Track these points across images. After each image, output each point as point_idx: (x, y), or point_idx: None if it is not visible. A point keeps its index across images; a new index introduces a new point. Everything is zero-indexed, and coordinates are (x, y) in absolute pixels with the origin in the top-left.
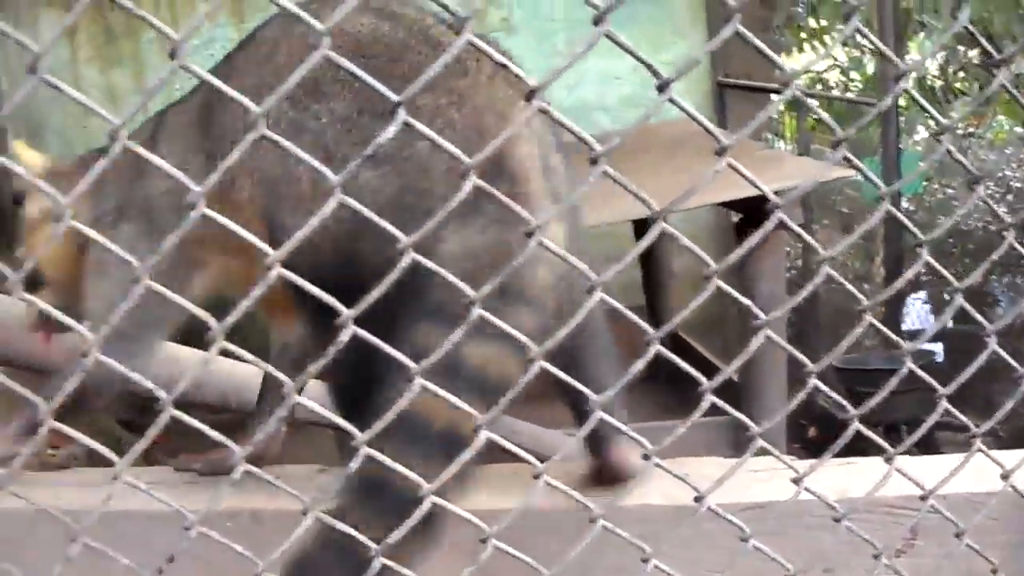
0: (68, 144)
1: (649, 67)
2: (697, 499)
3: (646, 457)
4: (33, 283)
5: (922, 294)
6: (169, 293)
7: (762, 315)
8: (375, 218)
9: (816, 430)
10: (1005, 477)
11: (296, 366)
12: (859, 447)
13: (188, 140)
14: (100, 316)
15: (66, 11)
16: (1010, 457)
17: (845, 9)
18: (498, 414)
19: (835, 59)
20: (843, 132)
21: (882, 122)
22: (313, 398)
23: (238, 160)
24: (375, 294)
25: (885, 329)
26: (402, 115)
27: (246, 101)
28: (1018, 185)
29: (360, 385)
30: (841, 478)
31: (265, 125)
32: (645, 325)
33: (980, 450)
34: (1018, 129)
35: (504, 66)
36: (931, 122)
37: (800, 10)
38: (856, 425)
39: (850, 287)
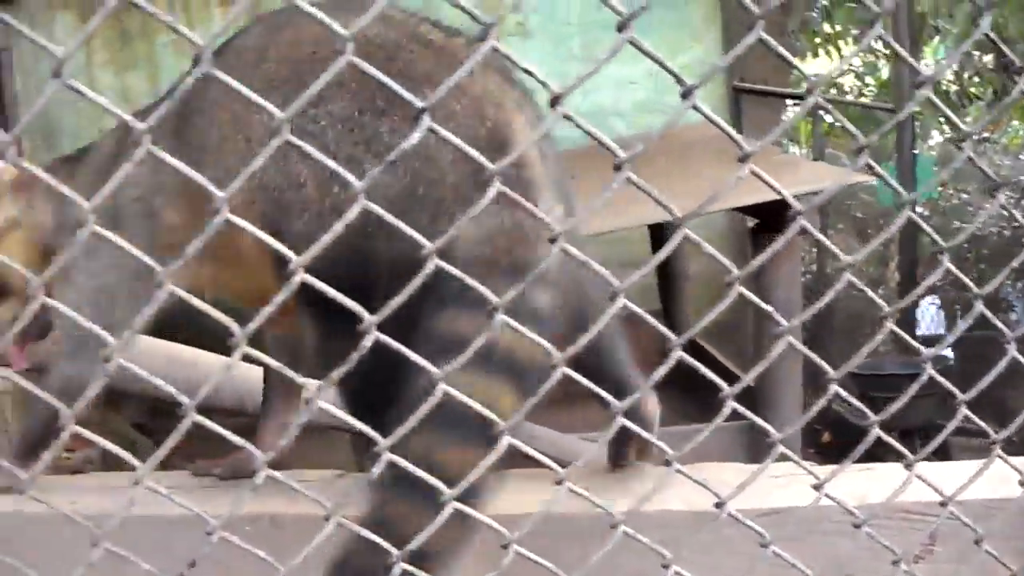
0: None
1: (673, 74)
2: (718, 505)
3: (667, 463)
4: None
5: (934, 298)
6: (187, 296)
7: (783, 322)
8: (398, 223)
9: (830, 435)
10: (1023, 483)
11: (293, 366)
12: (872, 452)
13: (165, 146)
14: (71, 324)
15: (82, 13)
16: None
17: (867, 15)
18: (521, 419)
19: (850, 64)
20: (865, 139)
21: (897, 127)
22: (329, 401)
23: (224, 168)
24: (398, 300)
25: (906, 336)
26: (427, 122)
27: (271, 107)
28: None
29: (377, 387)
30: (859, 484)
31: (289, 131)
32: (667, 331)
33: (999, 456)
34: None
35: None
36: (946, 127)
37: (815, 15)
38: (876, 431)
39: (871, 294)
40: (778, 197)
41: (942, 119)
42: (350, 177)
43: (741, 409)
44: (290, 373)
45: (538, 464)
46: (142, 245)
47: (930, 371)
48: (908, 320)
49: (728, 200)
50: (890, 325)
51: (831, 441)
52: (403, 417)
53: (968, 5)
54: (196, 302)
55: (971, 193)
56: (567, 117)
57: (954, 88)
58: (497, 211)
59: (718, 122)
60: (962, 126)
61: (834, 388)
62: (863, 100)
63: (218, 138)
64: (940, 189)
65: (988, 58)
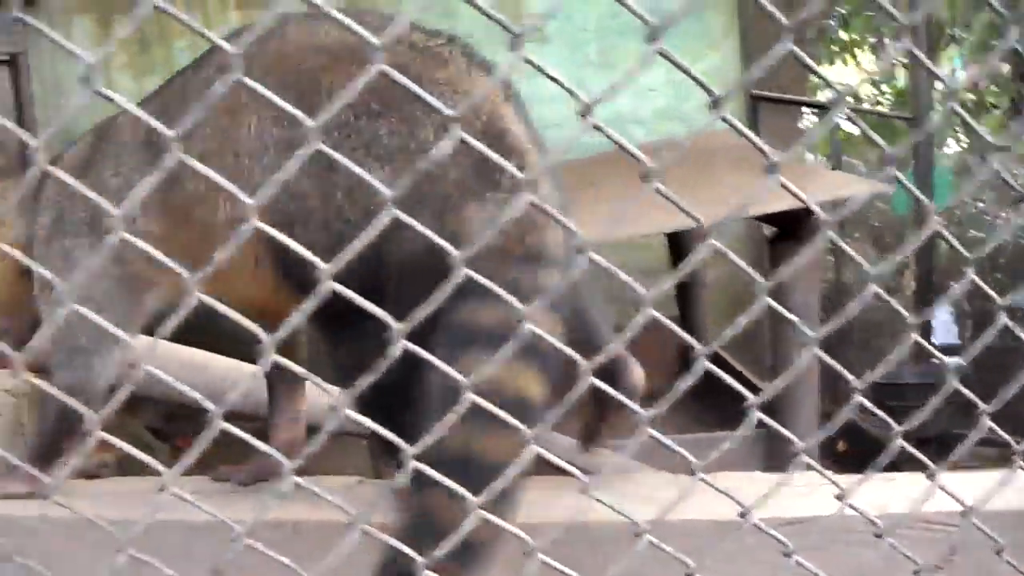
0: None
1: (701, 84)
2: (742, 514)
3: (691, 472)
4: None
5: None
6: (213, 303)
7: (810, 332)
8: (431, 234)
9: (845, 443)
10: None
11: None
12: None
13: (135, 158)
14: (62, 335)
15: (100, 17)
16: None
17: (884, 23)
18: (546, 428)
19: (867, 72)
20: (892, 150)
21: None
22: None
23: (206, 183)
24: (426, 310)
25: (930, 347)
26: (458, 132)
27: (300, 115)
28: None
29: (392, 388)
30: (881, 493)
31: (320, 139)
32: (693, 341)
33: (1020, 467)
34: None
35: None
36: (961, 136)
37: (832, 23)
38: (900, 442)
39: (896, 305)
40: (797, 206)
41: (957, 128)
42: (380, 186)
43: (765, 419)
44: (317, 381)
45: (561, 472)
46: (119, 252)
47: (955, 384)
48: (924, 329)
49: (739, 207)
50: (915, 336)
51: (847, 450)
52: (430, 414)
53: (985, 15)
54: (225, 310)
55: (987, 203)
56: (597, 127)
57: (971, 97)
58: (503, 201)
59: (746, 132)
60: (989, 138)
61: (858, 398)
62: (880, 108)
63: (200, 151)
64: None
65: (1005, 68)
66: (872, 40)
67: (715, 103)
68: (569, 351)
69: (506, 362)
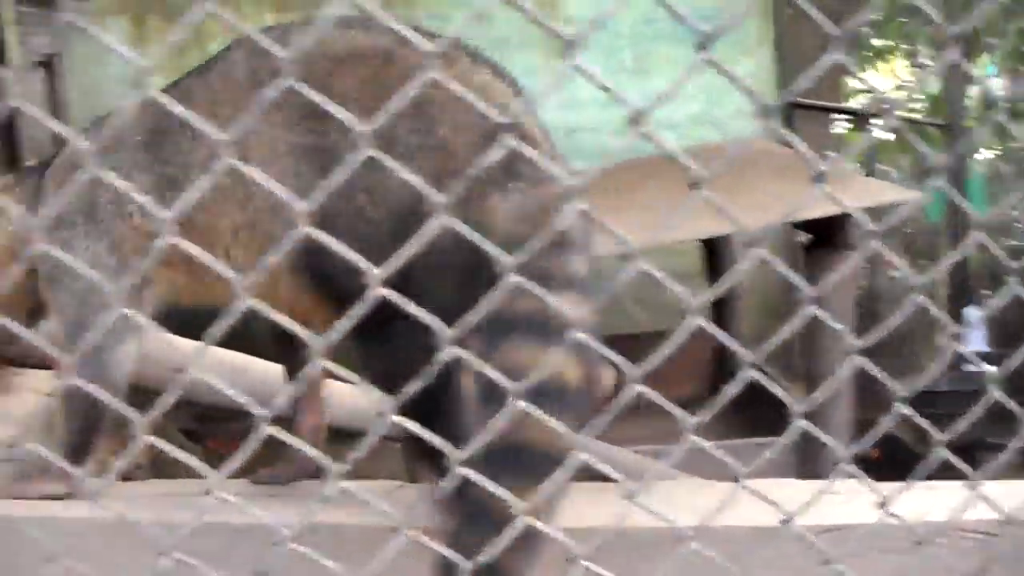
0: None
1: (751, 94)
2: (784, 521)
3: (727, 478)
4: None
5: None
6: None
7: (856, 341)
8: (489, 246)
9: (877, 450)
10: None
11: (301, 363)
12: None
13: (135, 158)
14: (73, 329)
15: (136, 17)
16: None
17: (917, 29)
18: (592, 433)
19: (900, 79)
20: (938, 159)
21: (949, 144)
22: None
23: (207, 188)
24: (476, 317)
25: (972, 356)
26: (511, 142)
27: (352, 119)
28: None
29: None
30: (919, 501)
31: (372, 144)
32: (742, 349)
33: None
34: None
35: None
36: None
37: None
38: (943, 451)
39: (940, 314)
40: (835, 212)
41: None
42: (434, 193)
43: (810, 427)
44: (362, 384)
45: (603, 477)
46: (112, 244)
47: (997, 394)
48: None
49: (785, 215)
50: (957, 345)
51: (879, 457)
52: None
53: (1018, 23)
54: (274, 314)
55: (1019, 209)
56: (646, 135)
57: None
58: (526, 190)
59: (792, 141)
60: None
61: (901, 408)
62: (914, 116)
63: (206, 156)
64: (987, 206)
65: None
66: (905, 47)
67: (764, 112)
68: (613, 355)
69: (545, 349)
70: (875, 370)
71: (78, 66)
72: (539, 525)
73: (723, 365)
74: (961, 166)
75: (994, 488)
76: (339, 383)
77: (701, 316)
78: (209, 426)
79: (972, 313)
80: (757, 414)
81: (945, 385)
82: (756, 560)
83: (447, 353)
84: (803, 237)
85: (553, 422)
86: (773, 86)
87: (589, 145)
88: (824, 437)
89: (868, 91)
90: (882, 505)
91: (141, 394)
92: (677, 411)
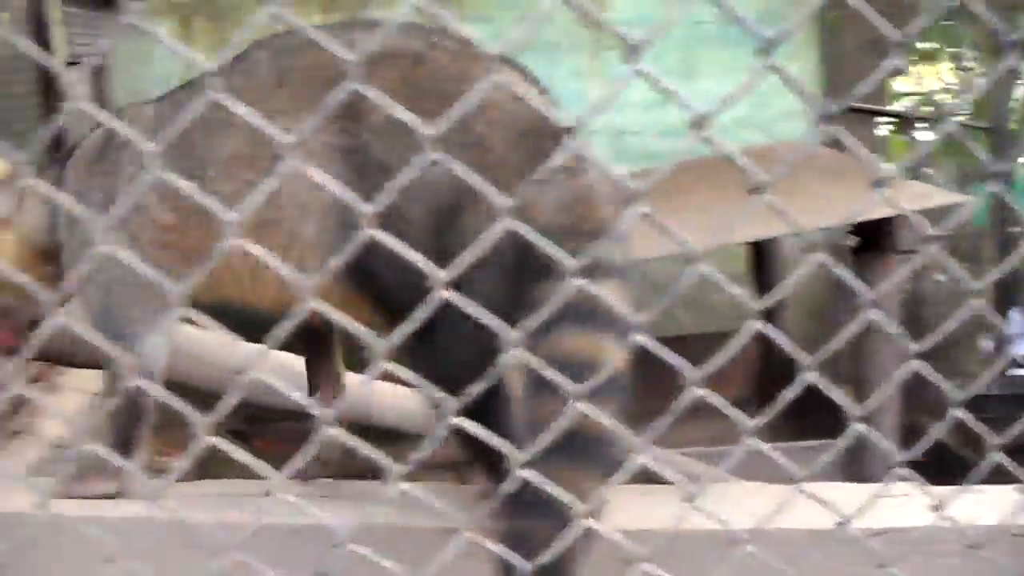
0: None
1: (809, 98)
2: (840, 524)
3: (780, 481)
4: None
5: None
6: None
7: (913, 345)
8: (547, 245)
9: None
10: None
11: (326, 358)
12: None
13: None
14: (100, 317)
15: (183, 18)
16: None
17: (962, 33)
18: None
19: (945, 83)
20: (996, 166)
21: (995, 147)
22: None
23: (231, 183)
24: (536, 321)
25: (1021, 356)
26: (575, 145)
27: (416, 121)
28: None
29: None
30: (970, 505)
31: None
32: (801, 354)
33: None
34: None
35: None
36: None
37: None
38: (999, 455)
39: (996, 319)
40: (884, 215)
41: None
42: (497, 197)
43: (869, 430)
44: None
45: (656, 480)
46: (131, 238)
47: None
48: (1001, 340)
49: (833, 219)
50: (1011, 350)
51: (924, 460)
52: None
53: None
54: (337, 316)
55: None
56: (707, 139)
57: None
58: (561, 180)
59: (854, 146)
60: None
61: (956, 412)
62: (959, 119)
63: (230, 153)
64: None
65: None
66: (951, 50)
67: (826, 117)
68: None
69: (592, 336)
70: (932, 374)
71: (122, 65)
72: (599, 527)
73: (769, 367)
74: (1009, 169)
75: None
76: (383, 383)
77: (760, 320)
78: (257, 426)
79: (1016, 317)
80: (802, 417)
81: (995, 389)
82: (810, 563)
83: (511, 356)
84: (851, 241)
85: (609, 420)
86: (822, 90)
87: (635, 147)
88: (881, 441)
89: (914, 94)
90: (937, 508)
91: (191, 394)
92: (737, 414)
